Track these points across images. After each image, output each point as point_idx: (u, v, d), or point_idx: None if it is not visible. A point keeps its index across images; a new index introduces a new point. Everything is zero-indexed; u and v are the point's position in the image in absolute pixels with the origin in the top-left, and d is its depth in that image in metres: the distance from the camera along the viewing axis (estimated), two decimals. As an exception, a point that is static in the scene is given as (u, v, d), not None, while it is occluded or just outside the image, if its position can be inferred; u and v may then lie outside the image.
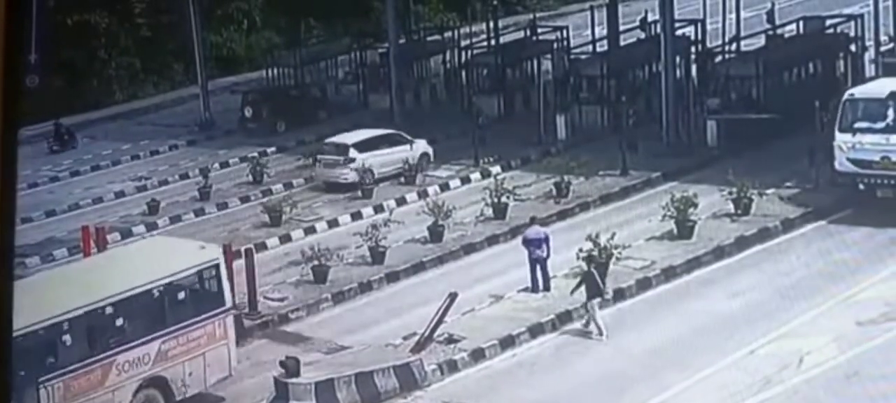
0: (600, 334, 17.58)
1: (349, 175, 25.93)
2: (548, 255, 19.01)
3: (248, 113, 32.49)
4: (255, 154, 29.43)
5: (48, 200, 28.03)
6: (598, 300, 17.78)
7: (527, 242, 19.18)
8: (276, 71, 34.63)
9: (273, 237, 23.75)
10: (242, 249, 20.52)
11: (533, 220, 20.42)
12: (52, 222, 26.46)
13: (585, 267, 18.19)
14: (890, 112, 20.17)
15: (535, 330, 18.00)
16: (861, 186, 20.48)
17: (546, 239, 19.15)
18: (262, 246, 22.92)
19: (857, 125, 20.46)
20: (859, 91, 21.12)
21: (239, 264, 19.84)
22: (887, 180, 20.29)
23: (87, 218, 25.38)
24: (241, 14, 40.73)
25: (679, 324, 17.86)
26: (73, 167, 30.85)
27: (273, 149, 30.71)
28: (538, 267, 19.00)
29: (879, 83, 21.19)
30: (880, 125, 20.23)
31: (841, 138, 20.52)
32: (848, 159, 20.53)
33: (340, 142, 26.66)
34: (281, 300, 20.19)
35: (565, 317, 18.34)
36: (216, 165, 29.52)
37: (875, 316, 17.67)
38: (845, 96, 20.82)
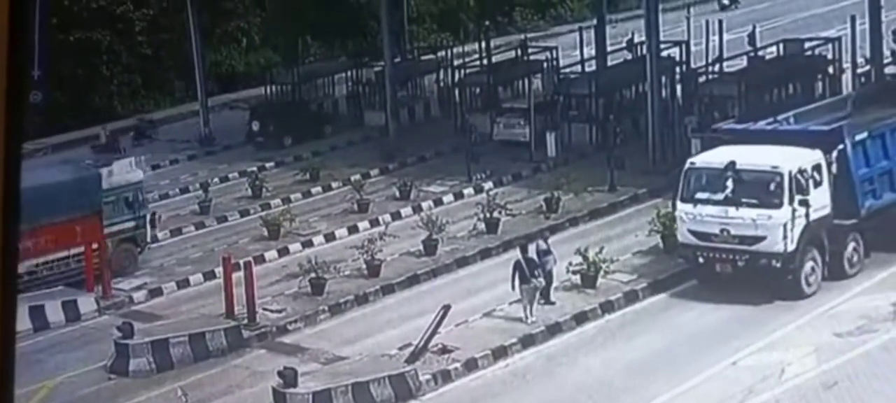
0: (525, 320, 18.73)
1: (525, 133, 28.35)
2: (555, 262, 19.73)
3: (255, 127, 32.90)
4: (254, 168, 29.92)
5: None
6: (526, 286, 18.81)
7: (538, 252, 19.76)
8: (274, 88, 35.10)
9: (271, 250, 24.19)
10: (242, 262, 21.02)
11: (542, 234, 21.21)
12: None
13: (520, 256, 19.16)
14: (729, 183, 18.79)
15: (527, 341, 18.52)
16: (701, 260, 19.19)
17: (550, 249, 19.90)
18: (260, 259, 23.37)
19: (697, 195, 19.12)
20: (700, 160, 19.75)
21: (238, 276, 20.37)
22: (726, 254, 18.98)
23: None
24: (240, 33, 41.19)
25: (665, 336, 18.35)
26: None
27: (271, 163, 31.19)
28: (547, 275, 19.53)
29: (720, 152, 19.63)
30: (719, 196, 18.87)
31: (682, 208, 19.30)
32: (688, 230, 19.22)
33: (519, 106, 29.38)
34: (279, 311, 20.64)
35: (555, 329, 18.90)
36: (216, 179, 29.93)
37: (852, 328, 18.18)
38: (686, 164, 19.60)
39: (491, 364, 17.93)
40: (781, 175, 18.51)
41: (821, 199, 19.00)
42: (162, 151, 33.46)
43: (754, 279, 18.80)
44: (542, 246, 19.97)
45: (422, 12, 43.27)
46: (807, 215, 18.66)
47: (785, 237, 18.46)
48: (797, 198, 18.49)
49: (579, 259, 20.08)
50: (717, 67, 28.51)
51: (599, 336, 18.72)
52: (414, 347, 17.97)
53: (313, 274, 21.10)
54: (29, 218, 21.22)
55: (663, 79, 26.84)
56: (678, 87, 27.65)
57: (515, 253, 19.81)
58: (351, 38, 39.70)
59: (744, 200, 18.64)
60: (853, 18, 25.70)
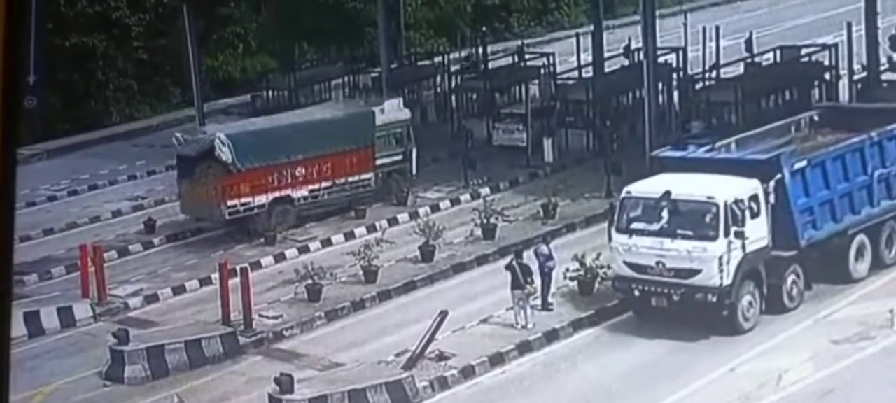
0: (518, 324, 18.69)
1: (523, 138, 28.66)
2: (555, 266, 19.70)
3: None
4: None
5: (46, 219, 28.30)
6: (518, 291, 18.76)
7: (539, 256, 19.75)
8: (270, 93, 35.06)
9: (268, 256, 24.18)
10: (238, 268, 20.99)
11: (545, 239, 21.19)
12: (50, 240, 26.75)
13: (514, 261, 19.11)
14: (664, 213, 17.93)
15: (524, 348, 18.50)
16: (636, 293, 18.35)
17: (552, 254, 19.85)
18: (257, 265, 23.36)
19: (633, 226, 18.25)
20: (635, 189, 18.74)
21: (234, 282, 20.34)
22: (661, 288, 18.09)
23: (85, 236, 25.73)
24: (236, 38, 41.18)
25: (662, 342, 18.34)
26: (71, 187, 31.23)
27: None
28: (546, 278, 19.52)
29: (656, 181, 18.75)
30: (655, 227, 18.00)
31: (617, 239, 18.38)
32: (624, 262, 18.38)
33: (517, 112, 29.74)
34: (275, 318, 20.62)
35: (553, 336, 18.88)
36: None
37: (850, 335, 18.19)
38: (622, 194, 18.87)
39: (488, 371, 17.92)
40: (717, 206, 17.64)
41: (758, 231, 18.07)
42: (158, 157, 33.43)
43: (691, 313, 18.03)
44: (544, 250, 19.95)
45: (418, 18, 43.28)
46: (743, 247, 17.76)
47: (721, 270, 17.57)
48: (733, 229, 17.59)
49: (577, 265, 20.06)
50: (714, 74, 28.56)
51: (596, 343, 18.71)
52: (411, 353, 17.97)
53: (310, 281, 21.08)
54: (311, 147, 25.44)
55: (660, 85, 26.89)
56: (675, 93, 27.68)
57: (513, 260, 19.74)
58: (347, 44, 39.69)
59: (679, 232, 17.80)
60: (849, 25, 25.75)
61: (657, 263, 17.99)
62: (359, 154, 26.06)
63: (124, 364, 18.65)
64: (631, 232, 18.26)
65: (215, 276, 21.35)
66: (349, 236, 25.16)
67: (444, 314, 18.24)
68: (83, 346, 20.35)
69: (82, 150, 35.18)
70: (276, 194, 25.40)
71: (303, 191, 25.70)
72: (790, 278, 18.72)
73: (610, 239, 18.71)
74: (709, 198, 17.82)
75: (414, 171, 26.75)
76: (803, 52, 28.88)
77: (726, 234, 17.64)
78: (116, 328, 19.75)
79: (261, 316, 20.44)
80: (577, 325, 19.15)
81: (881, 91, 25.74)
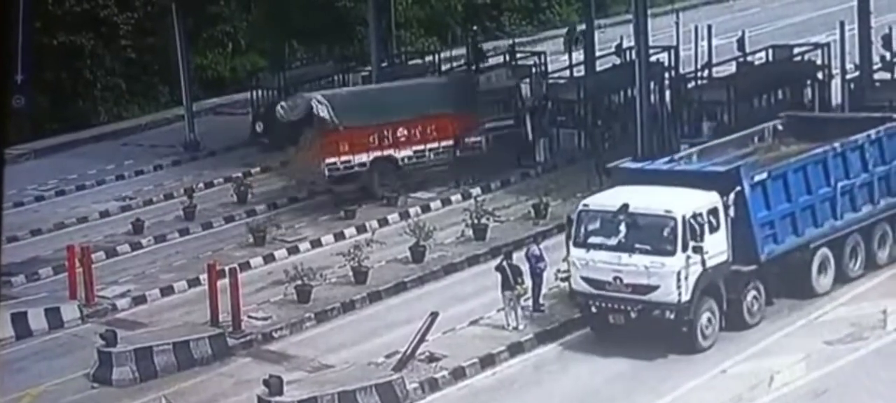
0: (507, 326, 18.61)
1: None
2: (546, 267, 19.54)
3: (259, 128, 32.86)
4: (239, 174, 29.73)
5: (34, 219, 28.15)
6: (509, 293, 18.67)
7: (530, 258, 19.59)
8: (260, 93, 34.91)
9: (257, 257, 24.06)
10: (227, 269, 20.85)
11: (535, 239, 21.02)
12: (37, 241, 26.61)
13: (504, 262, 18.97)
14: (622, 227, 17.37)
15: (515, 349, 18.41)
16: (593, 309, 17.81)
17: (543, 255, 19.70)
18: (246, 266, 23.23)
19: (590, 240, 17.67)
20: (593, 202, 18.25)
21: (223, 283, 20.21)
22: (619, 304, 17.56)
23: (72, 237, 25.60)
24: (225, 37, 41.01)
25: (653, 343, 18.26)
26: (58, 187, 31.06)
27: (257, 169, 31.05)
28: (537, 279, 19.41)
29: (614, 193, 18.26)
30: (613, 241, 17.43)
31: (574, 254, 17.84)
32: (581, 277, 17.82)
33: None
34: (265, 319, 20.50)
35: (544, 337, 18.78)
36: (201, 185, 29.77)
37: (842, 336, 18.16)
38: (579, 207, 18.31)
39: (479, 373, 17.86)
40: (674, 220, 17.06)
41: (718, 245, 17.50)
42: (146, 157, 33.28)
43: (649, 331, 17.47)
44: (535, 251, 19.83)
45: (409, 17, 43.16)
46: (702, 262, 17.19)
47: (679, 286, 17.02)
48: (691, 244, 17.03)
49: (568, 265, 19.93)
50: (706, 72, 28.50)
51: (588, 344, 18.61)
52: (401, 355, 17.90)
53: (299, 281, 20.96)
54: (411, 109, 26.53)
55: (652, 84, 26.83)
56: (667, 93, 27.61)
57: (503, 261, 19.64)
58: (338, 43, 39.55)
59: (637, 246, 17.24)
60: (842, 24, 25.71)
61: (614, 279, 17.42)
62: (464, 118, 26.67)
63: (112, 366, 18.58)
64: (588, 247, 17.70)
65: (204, 277, 21.18)
66: (339, 237, 25.04)
67: (434, 315, 18.19)
68: (71, 348, 20.25)
69: (70, 150, 35.00)
70: (378, 154, 25.89)
71: (407, 152, 26.42)
72: (750, 294, 18.10)
73: (567, 253, 18.23)
74: (667, 211, 17.22)
75: (530, 136, 27.32)
76: (796, 51, 28.85)
77: (684, 249, 17.06)
78: (104, 329, 19.62)
79: (250, 317, 20.34)
80: (568, 327, 19.04)
81: (874, 91, 25.70)
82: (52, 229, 27.36)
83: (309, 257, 23.39)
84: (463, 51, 36.40)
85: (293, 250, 24.38)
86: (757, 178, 18.27)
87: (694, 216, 17.26)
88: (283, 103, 27.84)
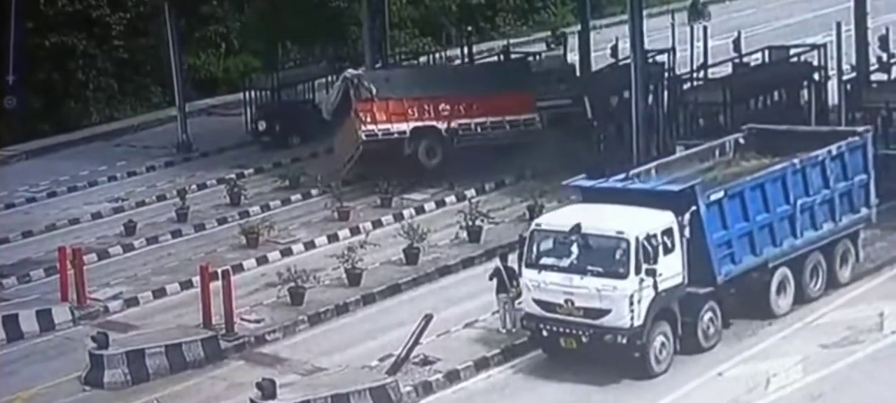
0: (502, 329, 18.50)
1: None
2: None
3: (261, 126, 32.86)
4: (232, 175, 29.63)
5: (25, 221, 28.06)
6: (503, 295, 18.53)
7: None
8: (253, 93, 34.81)
9: (250, 259, 23.94)
10: (220, 271, 20.74)
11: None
12: (28, 243, 26.48)
13: (499, 264, 18.78)
14: (574, 248, 16.79)
15: (509, 353, 18.28)
16: (545, 333, 17.21)
17: None
18: (239, 268, 23.12)
19: (542, 261, 17.04)
20: (545, 221, 17.72)
21: (216, 286, 20.09)
22: (570, 328, 16.98)
23: (64, 239, 25.45)
24: (218, 37, 40.92)
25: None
26: (50, 188, 30.93)
27: (250, 170, 30.96)
28: None
29: (567, 212, 17.73)
30: (565, 263, 16.83)
31: (526, 275, 17.20)
32: (533, 299, 17.19)
33: None
34: (258, 321, 20.39)
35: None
36: (194, 186, 29.66)
37: (838, 339, 18.11)
38: (532, 226, 17.72)
39: (473, 376, 17.77)
40: (627, 241, 16.42)
41: (672, 267, 16.86)
42: (138, 158, 33.18)
43: (602, 356, 16.83)
44: None
45: (403, 17, 43.11)
46: (655, 286, 16.57)
47: (631, 310, 16.40)
48: (645, 267, 16.39)
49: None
50: (701, 73, 28.46)
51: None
52: (395, 358, 17.81)
53: (293, 284, 20.87)
54: (452, 87, 27.95)
55: (648, 85, 26.80)
56: (665, 94, 27.57)
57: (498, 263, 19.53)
58: (332, 43, 39.47)
59: (589, 268, 16.64)
60: (839, 25, 25.68)
61: (566, 301, 16.82)
62: (515, 96, 27.65)
63: (104, 369, 18.47)
64: (540, 268, 17.07)
65: (196, 279, 21.06)
66: (332, 238, 24.95)
67: (428, 318, 18.10)
68: (62, 350, 20.12)
69: (62, 151, 34.90)
70: (418, 123, 26.69)
71: (451, 124, 27.18)
72: (707, 316, 17.49)
73: (519, 274, 17.62)
74: (619, 232, 16.58)
75: (589, 115, 28.04)
76: (792, 52, 28.81)
77: (637, 272, 16.42)
78: (96, 332, 19.49)
79: (243, 319, 20.25)
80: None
81: (871, 92, 25.64)
82: (43, 231, 27.25)
83: (302, 259, 23.29)
84: (458, 51, 36.37)
85: (286, 252, 24.29)
86: (713, 197, 17.54)
87: (647, 237, 16.58)
88: (324, 105, 29.03)
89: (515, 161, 28.11)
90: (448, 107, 27.19)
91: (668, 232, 16.95)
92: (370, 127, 26.63)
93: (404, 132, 26.84)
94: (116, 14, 37.37)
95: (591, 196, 18.20)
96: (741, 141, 20.44)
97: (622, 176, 18.60)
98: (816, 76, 27.27)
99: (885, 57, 27.51)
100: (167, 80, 35.44)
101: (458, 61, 33.97)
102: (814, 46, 28.25)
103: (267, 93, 34.14)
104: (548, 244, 17.20)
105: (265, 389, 16.38)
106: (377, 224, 25.58)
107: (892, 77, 26.92)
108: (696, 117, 26.53)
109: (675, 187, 17.76)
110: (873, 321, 18.65)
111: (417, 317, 18.24)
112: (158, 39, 35.94)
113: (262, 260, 23.89)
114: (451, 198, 27.12)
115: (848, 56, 26.78)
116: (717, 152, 20.09)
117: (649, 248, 16.60)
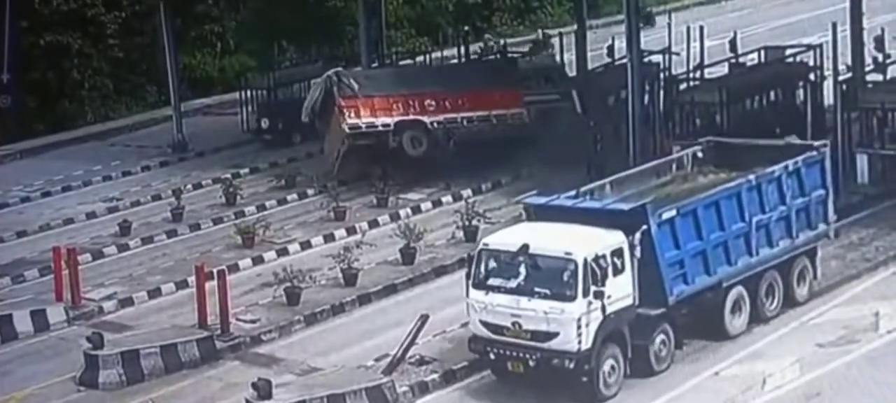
0: None
1: None
2: None
3: (264, 124, 32.89)
4: (228, 175, 29.60)
5: (19, 220, 28.01)
6: None
7: None
8: (249, 93, 34.78)
9: (246, 258, 23.90)
10: (215, 271, 20.70)
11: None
12: (23, 243, 26.43)
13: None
14: (522, 268, 16.21)
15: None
16: (492, 356, 16.70)
17: None
18: (234, 268, 23.08)
19: (490, 282, 16.46)
20: (493, 240, 17.00)
21: (211, 286, 20.05)
22: (517, 351, 16.40)
23: (58, 239, 25.38)
24: (214, 36, 40.88)
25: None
26: (44, 188, 30.88)
27: (246, 170, 30.92)
28: None
29: (516, 230, 17.27)
30: (512, 284, 16.25)
31: (473, 295, 16.60)
32: (480, 321, 16.63)
33: None
34: (253, 321, 20.35)
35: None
36: (189, 186, 29.62)
37: (835, 338, 18.12)
38: (480, 245, 17.06)
39: (469, 376, 17.71)
40: (575, 263, 15.88)
41: (622, 289, 16.35)
42: (134, 157, 33.13)
43: (550, 379, 16.32)
44: None
45: (399, 17, 43.08)
46: (603, 308, 16.06)
47: (579, 334, 15.88)
48: (593, 289, 15.90)
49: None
50: (698, 73, 28.48)
51: (580, 347, 18.46)
52: (391, 358, 17.77)
53: (288, 284, 20.83)
54: (438, 84, 28.55)
55: (646, 85, 26.83)
56: (661, 93, 27.59)
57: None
58: (328, 43, 39.44)
59: (536, 290, 16.07)
60: (835, 25, 25.68)
61: (513, 324, 16.23)
62: (502, 92, 28.28)
63: (99, 369, 18.41)
64: (487, 289, 16.47)
65: (192, 279, 21.02)
66: (328, 238, 24.93)
67: (424, 318, 18.06)
68: (57, 350, 20.08)
69: (57, 150, 34.86)
70: (403, 117, 27.16)
71: (437, 118, 27.58)
72: (658, 338, 16.91)
73: (466, 294, 16.89)
74: (567, 253, 16.00)
75: (579, 110, 28.52)
76: (788, 52, 28.83)
77: (585, 294, 15.88)
78: (91, 332, 19.44)
79: (238, 319, 20.22)
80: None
81: (866, 92, 25.65)
82: (38, 230, 27.21)
83: (298, 259, 23.26)
84: (454, 51, 36.35)
85: (282, 252, 24.26)
86: (665, 216, 16.88)
87: (596, 258, 16.03)
88: (304, 106, 28.99)
89: (512, 161, 28.12)
90: (434, 102, 27.70)
91: (618, 252, 16.38)
92: (354, 120, 27.07)
93: (388, 125, 27.29)
94: (111, 13, 37.33)
95: (542, 214, 17.66)
96: (699, 154, 19.84)
97: (573, 193, 17.99)
98: (812, 76, 27.29)
99: (880, 57, 27.52)
100: (162, 80, 35.39)
101: (454, 61, 33.95)
102: (810, 47, 28.28)
103: (263, 93, 34.09)
104: (495, 264, 16.59)
105: (261, 389, 16.35)
106: (373, 224, 25.56)
107: (888, 77, 26.95)
108: (692, 117, 26.53)
109: (626, 206, 17.20)
110: (869, 320, 18.63)
111: (414, 317, 18.19)
112: (154, 39, 35.88)
113: (257, 260, 23.85)
114: (447, 198, 27.11)
115: (844, 56, 26.77)
116: (674, 166, 19.57)
117: (597, 270, 16.04)
